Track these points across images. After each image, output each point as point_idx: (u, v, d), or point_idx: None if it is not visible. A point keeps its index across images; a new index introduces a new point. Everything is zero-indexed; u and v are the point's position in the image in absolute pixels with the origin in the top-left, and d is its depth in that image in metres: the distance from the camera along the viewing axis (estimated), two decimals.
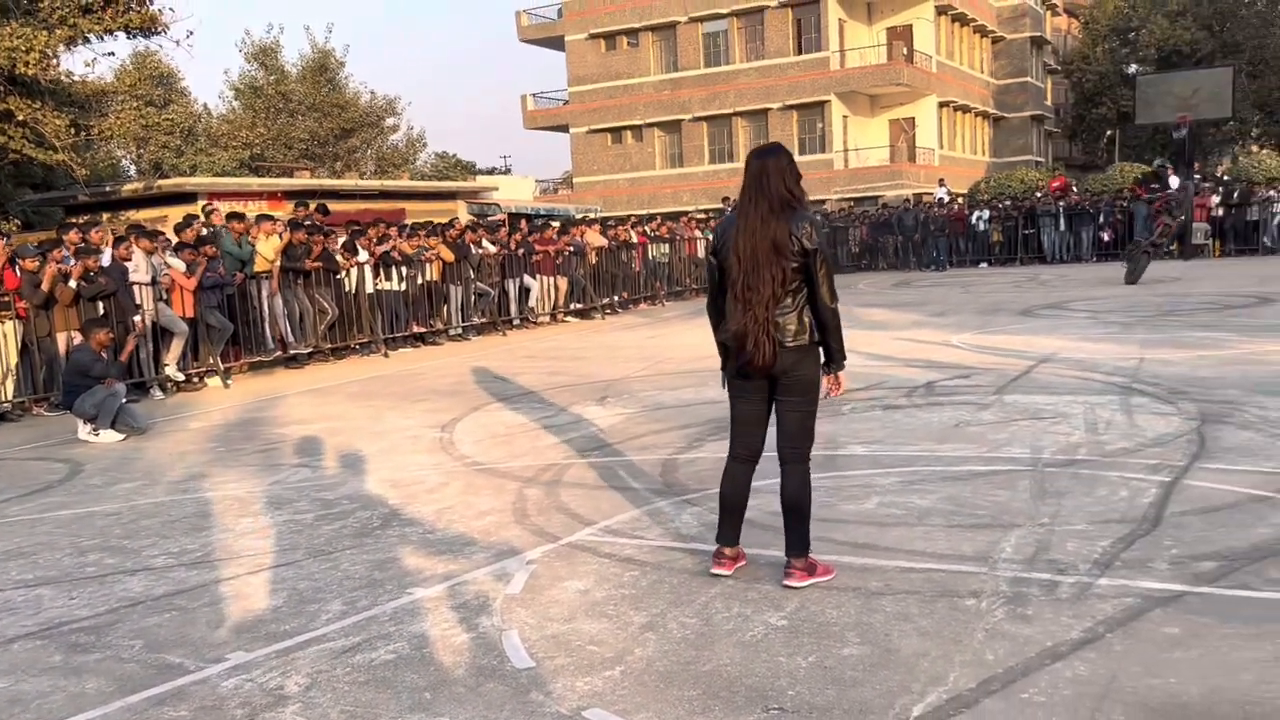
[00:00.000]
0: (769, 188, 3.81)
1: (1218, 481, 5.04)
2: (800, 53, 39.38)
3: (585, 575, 4.27)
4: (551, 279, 17.10)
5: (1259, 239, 22.88)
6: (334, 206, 16.80)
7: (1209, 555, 4.02)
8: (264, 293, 12.27)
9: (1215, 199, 22.87)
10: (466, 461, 6.67)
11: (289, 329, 12.58)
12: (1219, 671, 3.04)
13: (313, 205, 14.45)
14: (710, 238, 3.95)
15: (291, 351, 12.57)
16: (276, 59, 35.57)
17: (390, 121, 38.22)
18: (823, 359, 3.96)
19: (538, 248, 16.81)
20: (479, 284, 15.49)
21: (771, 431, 4.05)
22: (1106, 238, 23.75)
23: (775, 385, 3.95)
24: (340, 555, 4.80)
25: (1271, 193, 23.09)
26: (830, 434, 6.70)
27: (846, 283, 22.57)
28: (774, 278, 3.76)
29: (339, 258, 13.14)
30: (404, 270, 14.08)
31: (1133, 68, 39.18)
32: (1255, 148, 42.01)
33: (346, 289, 13.31)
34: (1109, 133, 47.19)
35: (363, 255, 13.52)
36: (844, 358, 3.97)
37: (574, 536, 4.83)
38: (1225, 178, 25.08)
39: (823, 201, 36.04)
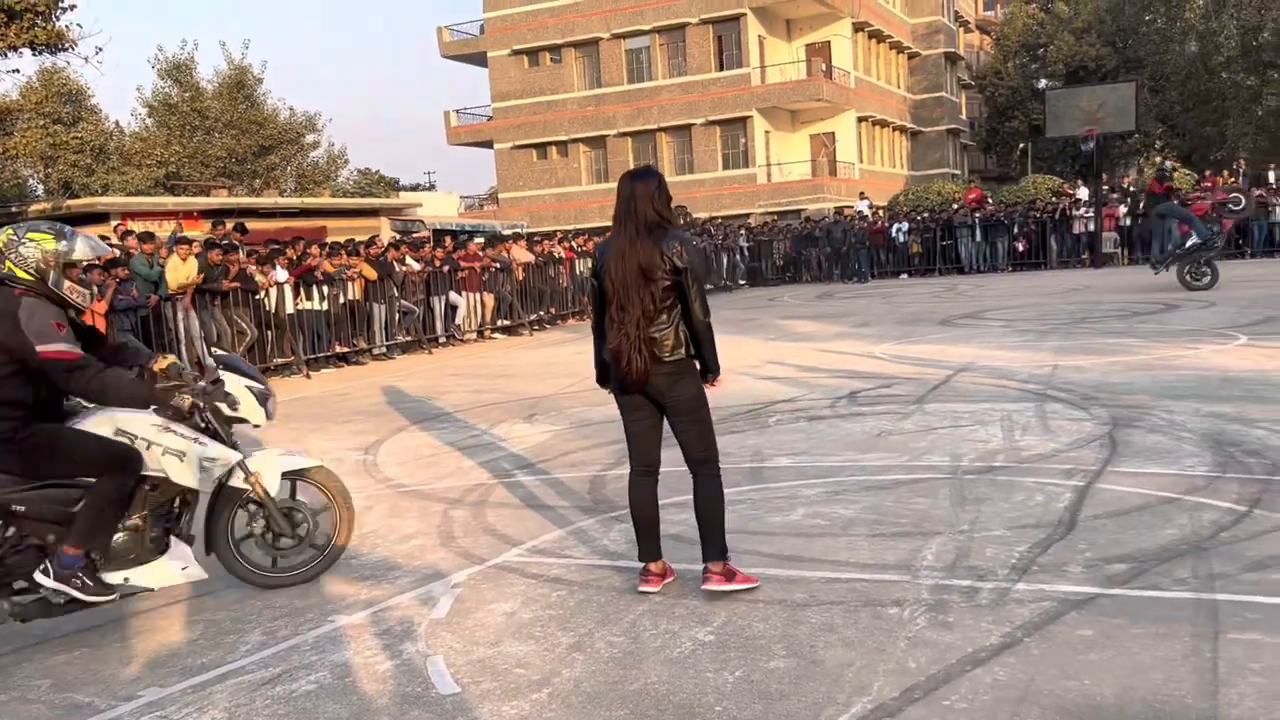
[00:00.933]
0: (637, 211, 3.93)
1: (1129, 485, 5.20)
2: (722, 69, 39.83)
3: (512, 597, 4.23)
4: (478, 296, 16.98)
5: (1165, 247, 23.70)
6: (253, 225, 16.49)
7: (1120, 557, 4.14)
8: (179, 315, 11.96)
9: (1123, 209, 23.70)
10: (391, 484, 6.57)
11: (206, 351, 12.25)
12: (1130, 671, 3.13)
13: (230, 224, 14.16)
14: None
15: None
16: (191, 75, 34.82)
17: (310, 138, 37.69)
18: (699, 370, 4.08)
19: (463, 264, 16.68)
20: (403, 302, 15.31)
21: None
22: (1021, 248, 24.41)
23: (661, 406, 4.04)
24: None
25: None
26: (756, 446, 6.76)
27: (771, 295, 22.83)
28: (642, 298, 3.88)
29: (258, 277, 12.87)
30: (325, 289, 13.85)
31: (1042, 82, 40.41)
32: (1159, 159, 43.63)
33: (266, 309, 13.05)
34: (1021, 145, 48.55)
35: (281, 275, 13.27)
36: (718, 368, 4.10)
37: (501, 558, 4.78)
38: (1131, 189, 25.98)
39: (747, 215, 36.44)
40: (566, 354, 13.80)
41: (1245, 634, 3.33)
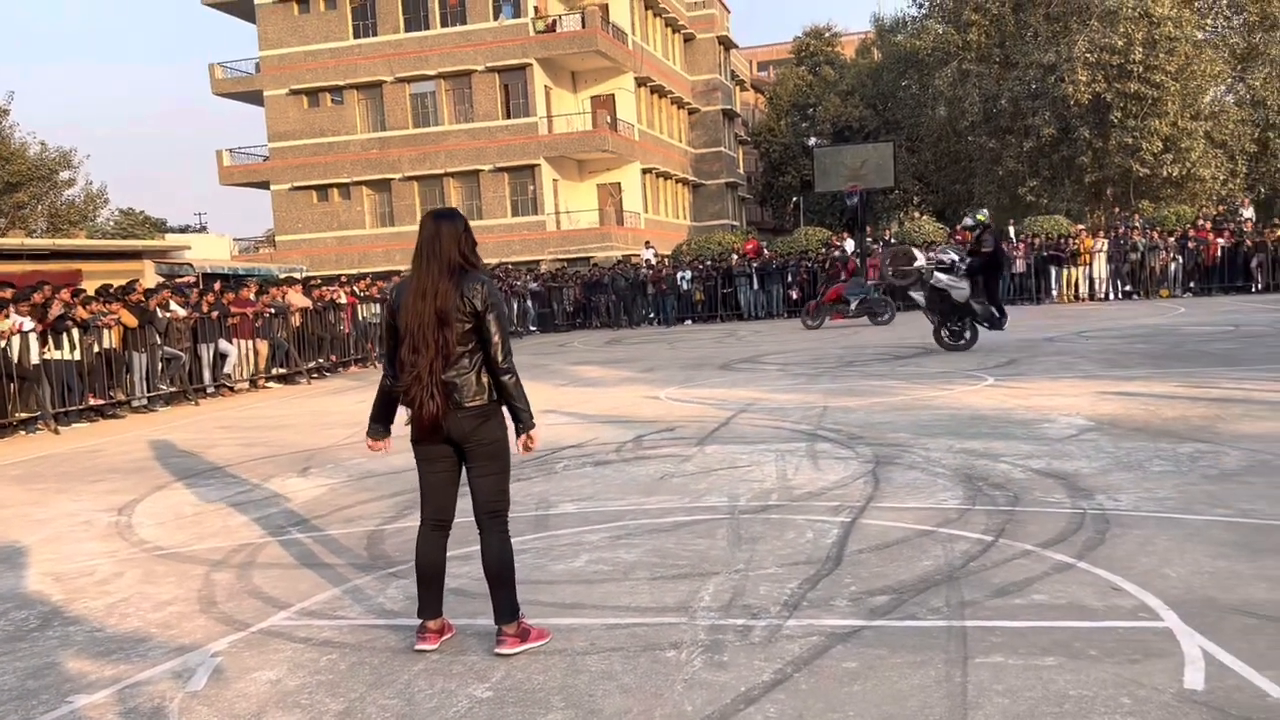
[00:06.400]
0: (441, 251, 3.83)
1: (890, 519, 5.50)
2: (509, 117, 40.06)
3: (278, 664, 3.98)
4: (250, 342, 16.15)
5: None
6: None
7: (882, 590, 4.35)
8: None
9: (887, 260, 25.44)
10: (146, 547, 6.08)
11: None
12: (890, 701, 3.27)
13: None
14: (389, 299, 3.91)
15: None
16: None
17: (65, 175, 35.03)
18: (510, 422, 3.97)
19: (234, 309, 15.85)
20: (167, 348, 14.33)
21: (466, 500, 3.99)
22: (795, 295, 25.72)
23: (462, 452, 3.92)
24: None
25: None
26: (542, 493, 6.72)
27: (562, 341, 22.98)
28: (437, 340, 3.77)
29: None
30: (78, 337, 12.77)
31: (812, 140, 42.98)
32: (916, 214, 47.21)
33: (9, 358, 11.88)
34: (794, 199, 51.39)
35: (26, 322, 12.13)
36: (531, 418, 3.97)
37: (267, 622, 4.50)
38: (892, 240, 27.93)
39: (537, 262, 36.63)
40: (346, 403, 13.32)
41: (990, 657, 3.56)
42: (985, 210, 15.62)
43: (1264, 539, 4.74)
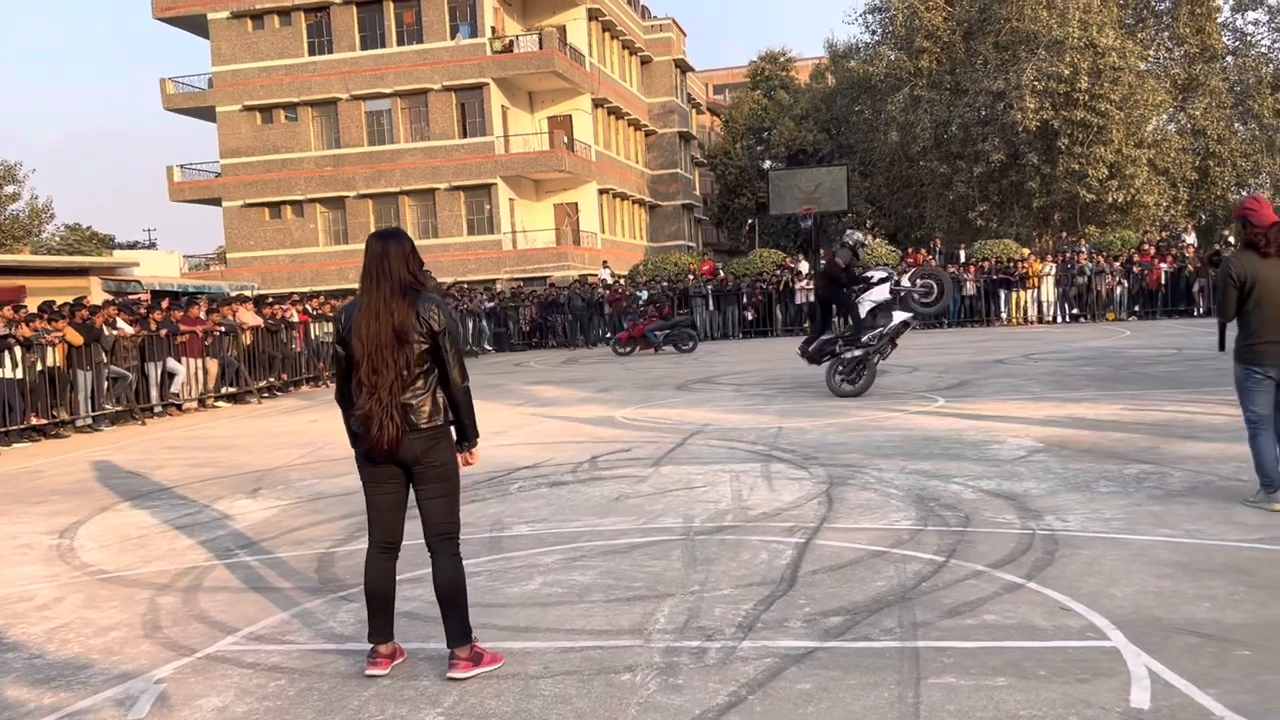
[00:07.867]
0: (391, 271, 3.80)
1: (843, 540, 5.53)
2: (465, 136, 39.96)
3: (224, 690, 3.90)
4: (199, 361, 15.89)
5: None
6: None
7: (836, 611, 4.37)
8: None
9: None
10: (89, 570, 5.94)
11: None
12: None
13: None
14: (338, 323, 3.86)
15: None
16: None
17: (9, 189, 34.32)
18: (455, 437, 3.97)
19: (183, 327, 15.59)
20: (114, 367, 14.05)
21: (416, 523, 3.95)
22: (750, 316, 25.89)
23: (411, 474, 3.89)
24: None
25: None
26: (496, 515, 6.67)
27: (518, 360, 22.89)
28: (396, 361, 3.75)
29: None
30: (20, 355, 12.48)
31: (766, 163, 43.36)
32: (870, 237, 47.78)
33: None
34: (750, 221, 51.72)
35: None
36: (477, 435, 4.04)
37: (213, 647, 4.41)
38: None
39: (493, 281, 36.50)
40: (299, 422, 13.14)
41: (942, 678, 3.59)
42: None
43: (1206, 559, 4.84)
